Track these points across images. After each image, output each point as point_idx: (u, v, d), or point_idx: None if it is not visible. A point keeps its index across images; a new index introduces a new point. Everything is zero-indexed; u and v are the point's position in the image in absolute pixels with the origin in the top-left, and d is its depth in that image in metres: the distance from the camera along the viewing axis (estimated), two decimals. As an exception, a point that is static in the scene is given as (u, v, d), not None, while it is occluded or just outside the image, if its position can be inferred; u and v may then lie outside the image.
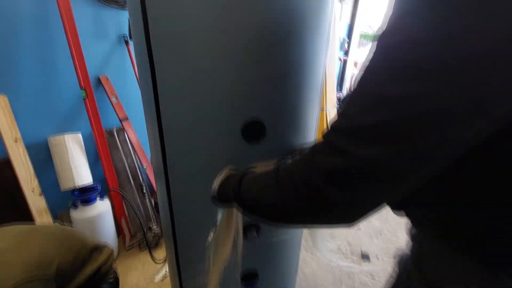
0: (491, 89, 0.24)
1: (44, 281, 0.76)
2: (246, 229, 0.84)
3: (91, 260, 1.00)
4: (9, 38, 1.22)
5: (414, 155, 0.28)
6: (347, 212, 0.34)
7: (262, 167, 0.67)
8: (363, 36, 4.17)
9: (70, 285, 0.90)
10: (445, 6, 0.24)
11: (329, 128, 0.35)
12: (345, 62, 4.02)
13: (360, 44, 4.17)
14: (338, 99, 3.69)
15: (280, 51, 0.62)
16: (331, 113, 2.98)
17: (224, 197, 0.55)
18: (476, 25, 0.23)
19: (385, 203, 0.34)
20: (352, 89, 0.36)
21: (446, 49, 0.24)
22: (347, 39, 3.86)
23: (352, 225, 0.36)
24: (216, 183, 0.57)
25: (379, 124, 0.28)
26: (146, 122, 0.89)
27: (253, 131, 0.67)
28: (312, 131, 0.83)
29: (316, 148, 0.35)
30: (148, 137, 0.94)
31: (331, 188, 0.32)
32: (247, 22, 0.57)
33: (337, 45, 3.62)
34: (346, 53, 3.98)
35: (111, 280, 1.06)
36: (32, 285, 0.72)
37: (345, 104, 0.34)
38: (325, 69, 2.33)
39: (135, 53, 0.79)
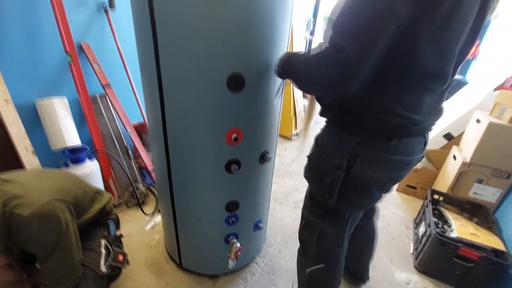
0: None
1: (67, 203, 0.93)
2: (230, 164, 1.09)
3: (96, 200, 1.18)
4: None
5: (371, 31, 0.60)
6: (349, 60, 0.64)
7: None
8: (325, 19, 4.44)
9: (83, 218, 1.08)
10: None
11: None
12: (310, 41, 4.29)
13: (324, 26, 4.44)
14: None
15: (255, 27, 0.84)
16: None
17: (281, 68, 0.89)
18: None
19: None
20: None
21: None
22: (312, 19, 4.11)
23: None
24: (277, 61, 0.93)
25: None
26: (144, 81, 1.06)
27: (235, 82, 0.90)
28: (281, 83, 1.08)
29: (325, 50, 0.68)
30: (144, 94, 1.11)
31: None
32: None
33: (303, 25, 3.86)
34: (312, 32, 4.24)
35: (113, 217, 1.25)
36: (59, 204, 0.90)
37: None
38: (291, 44, 2.55)
39: (134, 15, 0.94)
